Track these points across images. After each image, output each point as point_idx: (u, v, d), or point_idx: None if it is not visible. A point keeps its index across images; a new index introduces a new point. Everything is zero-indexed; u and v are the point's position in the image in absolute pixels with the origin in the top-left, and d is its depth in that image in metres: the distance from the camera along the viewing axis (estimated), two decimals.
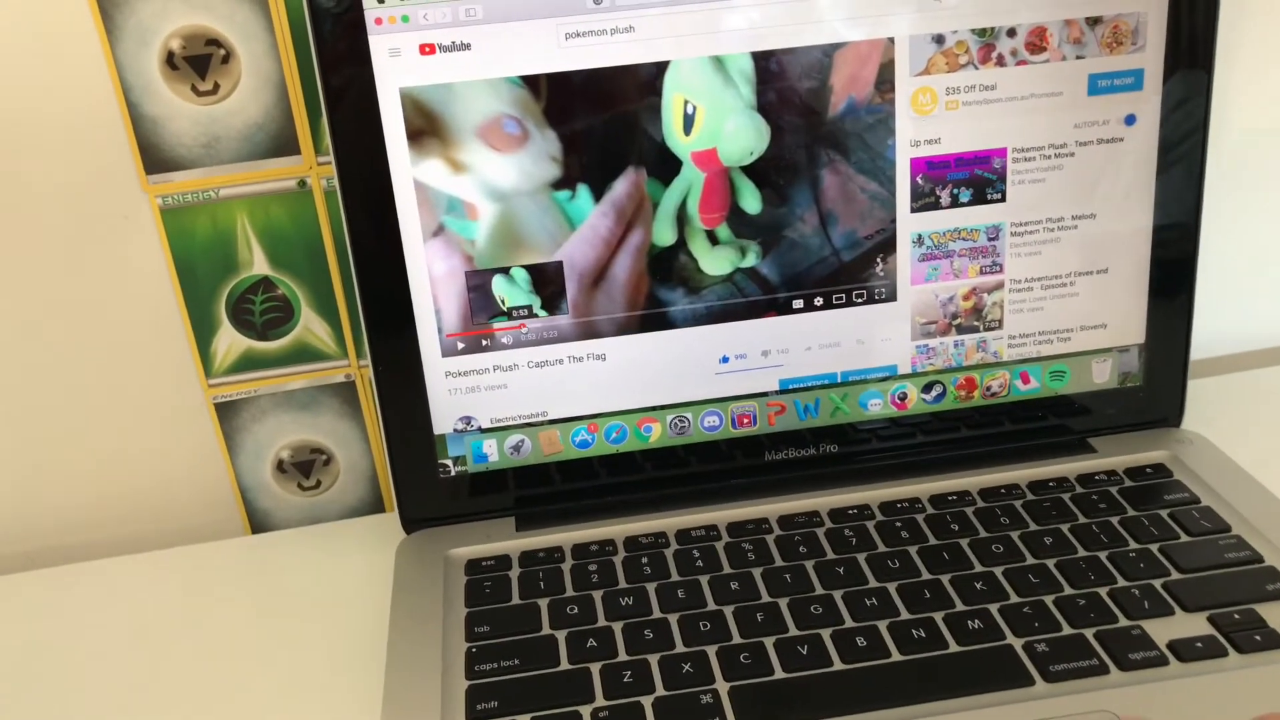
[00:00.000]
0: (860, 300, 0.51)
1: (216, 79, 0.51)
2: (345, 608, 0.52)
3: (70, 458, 0.58)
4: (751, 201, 0.49)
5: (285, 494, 0.60)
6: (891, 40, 0.48)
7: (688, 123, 0.48)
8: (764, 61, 0.47)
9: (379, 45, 0.46)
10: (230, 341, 0.56)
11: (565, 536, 0.51)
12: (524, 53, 0.47)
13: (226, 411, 0.58)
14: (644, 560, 0.49)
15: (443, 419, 0.52)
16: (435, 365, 0.51)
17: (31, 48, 0.50)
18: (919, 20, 0.47)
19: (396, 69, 0.46)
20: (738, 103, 0.48)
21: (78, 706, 0.48)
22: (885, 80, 0.48)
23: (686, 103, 0.48)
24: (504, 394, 0.51)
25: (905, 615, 0.45)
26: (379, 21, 0.46)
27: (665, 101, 0.48)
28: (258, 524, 0.61)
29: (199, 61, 0.51)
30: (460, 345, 0.50)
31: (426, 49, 0.46)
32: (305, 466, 0.60)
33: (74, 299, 0.55)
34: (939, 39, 0.48)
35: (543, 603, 0.47)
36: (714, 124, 0.48)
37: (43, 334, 0.55)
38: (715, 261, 0.50)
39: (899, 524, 0.50)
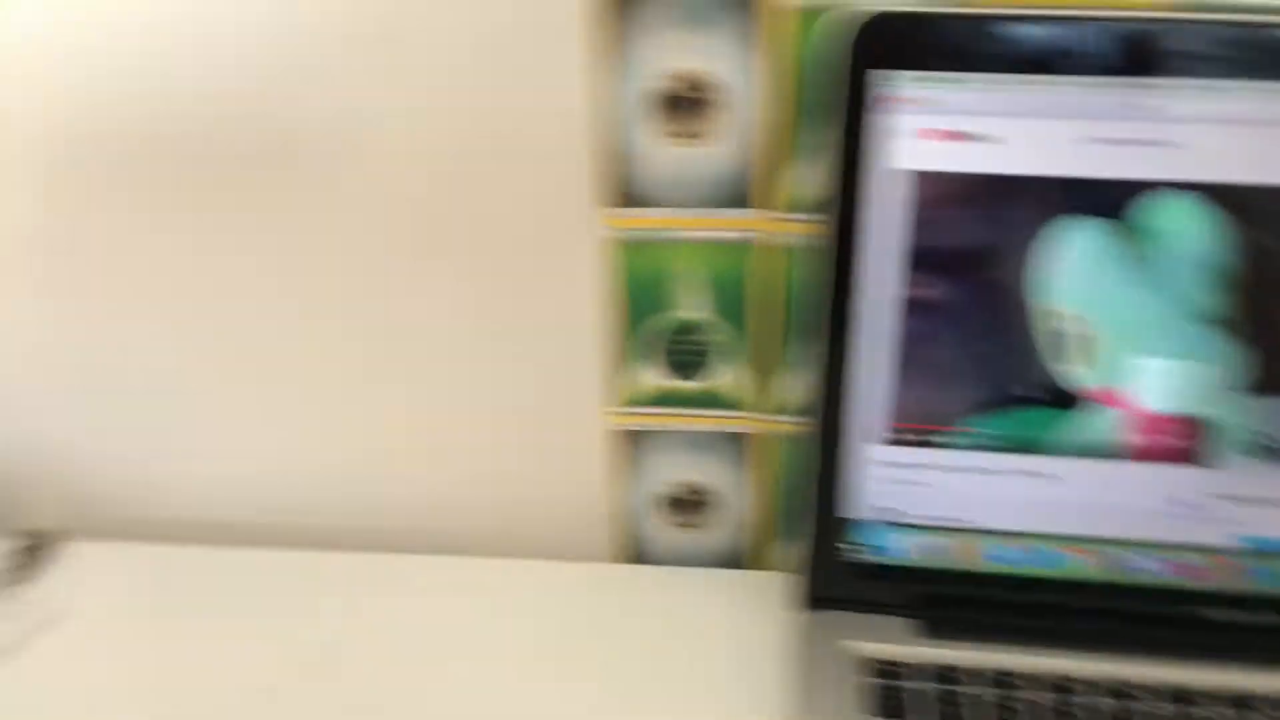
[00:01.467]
0: None
1: (699, 123, 0.50)
2: (717, 665, 0.51)
3: (468, 455, 0.60)
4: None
5: (660, 527, 0.60)
6: None
7: (1083, 348, 0.44)
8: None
9: (886, 124, 0.44)
10: (647, 375, 0.56)
11: (982, 658, 0.48)
12: (1043, 151, 0.43)
13: (625, 441, 0.58)
14: (1084, 713, 0.45)
15: (865, 504, 0.49)
16: (872, 450, 0.48)
17: (524, 70, 0.50)
18: None
19: (905, 150, 0.44)
20: (1176, 318, 0.44)
21: (413, 693, 0.50)
22: None
23: (1066, 317, 0.44)
24: (935, 493, 0.49)
25: None
26: (893, 100, 0.43)
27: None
28: (626, 550, 0.61)
29: (685, 103, 0.50)
30: (904, 436, 0.48)
31: (939, 134, 0.43)
32: (685, 505, 0.60)
33: (515, 307, 0.55)
34: None
35: None
36: (1118, 353, 0.45)
37: (480, 334, 0.56)
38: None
39: None
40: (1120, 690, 0.46)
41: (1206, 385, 0.45)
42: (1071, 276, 0.45)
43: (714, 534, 0.60)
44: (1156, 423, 0.46)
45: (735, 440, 0.57)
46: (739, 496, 0.59)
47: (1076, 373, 0.46)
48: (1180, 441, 0.46)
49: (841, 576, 0.51)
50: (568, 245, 0.54)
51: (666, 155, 0.51)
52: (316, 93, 0.51)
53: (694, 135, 0.51)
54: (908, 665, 0.48)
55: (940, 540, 0.50)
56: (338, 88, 0.51)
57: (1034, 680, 0.47)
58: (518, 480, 0.60)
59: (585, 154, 0.52)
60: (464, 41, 0.50)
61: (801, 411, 0.49)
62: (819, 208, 0.46)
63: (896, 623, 0.50)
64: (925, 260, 0.45)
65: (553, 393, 0.58)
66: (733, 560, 0.60)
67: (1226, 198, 0.43)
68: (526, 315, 0.56)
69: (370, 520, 0.62)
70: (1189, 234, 0.43)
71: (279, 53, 0.51)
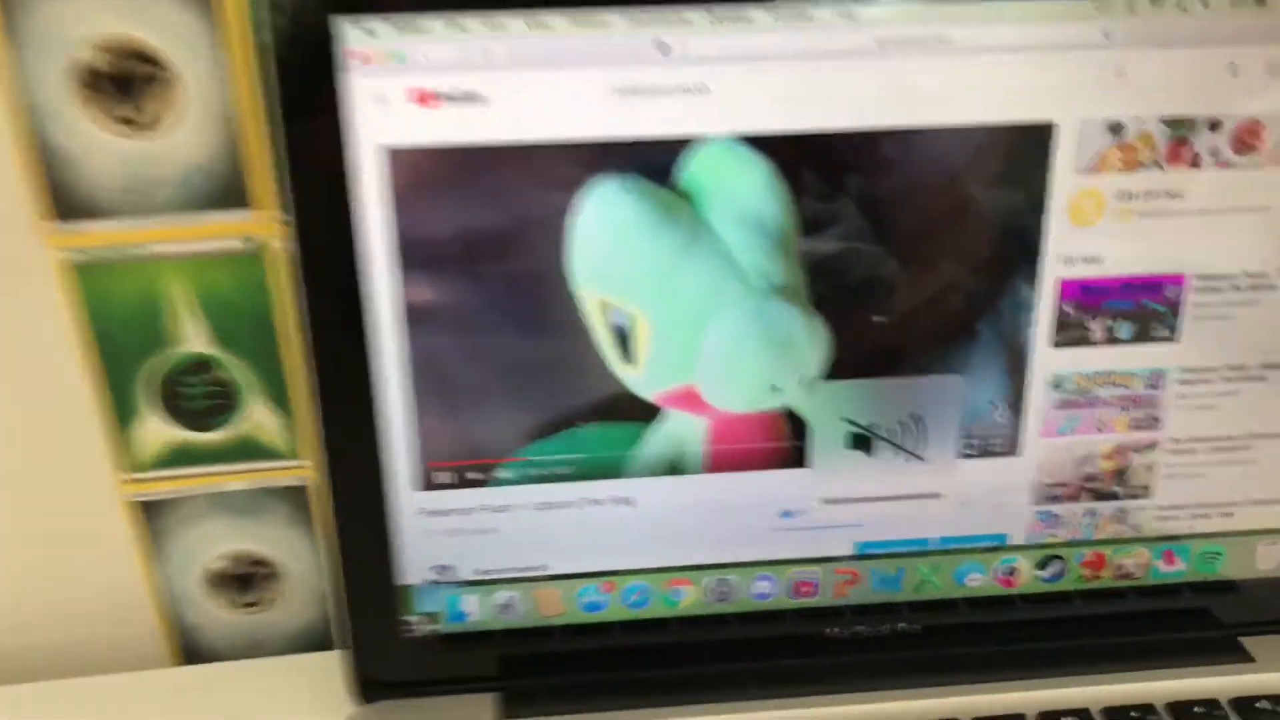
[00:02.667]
0: (971, 452, 0.39)
1: (148, 105, 0.39)
2: None
3: None
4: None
5: (217, 610, 0.49)
6: (1052, 125, 0.35)
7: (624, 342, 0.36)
8: (826, 174, 0.35)
9: (360, 88, 0.34)
10: (157, 430, 0.44)
11: None
12: (557, 111, 0.34)
13: (149, 512, 0.46)
14: None
15: (413, 566, 0.40)
16: (407, 499, 0.39)
17: None
18: (1093, 101, 0.35)
19: (381, 120, 0.34)
20: (737, 290, 0.36)
21: None
22: (1037, 178, 0.36)
23: (607, 307, 0.36)
24: (495, 540, 0.39)
25: None
26: (364, 58, 0.33)
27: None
28: (183, 643, 0.49)
29: (126, 82, 0.39)
30: (442, 477, 0.38)
31: (423, 98, 0.34)
32: (243, 580, 0.48)
33: None
34: (1116, 128, 0.35)
35: None
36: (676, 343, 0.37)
37: None
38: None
39: None
40: None
41: (787, 371, 0.38)
42: (612, 261, 0.36)
43: (286, 612, 0.49)
44: (741, 423, 0.38)
45: (289, 496, 0.46)
46: (307, 563, 0.48)
47: (640, 374, 0.37)
48: (771, 442, 0.39)
49: (403, 654, 0.41)
50: (19, 277, 0.41)
51: (116, 150, 0.39)
52: None
53: (148, 123, 0.39)
54: None
55: (515, 594, 0.40)
56: None
57: None
58: (34, 582, 0.47)
59: (15, 158, 0.39)
60: None
61: (326, 457, 0.39)
62: (296, 202, 0.36)
63: (477, 703, 0.40)
64: (424, 258, 0.36)
65: (56, 468, 0.45)
66: (316, 640, 0.50)
67: (776, 148, 0.35)
68: None
69: None
70: (741, 195, 0.36)
71: None
